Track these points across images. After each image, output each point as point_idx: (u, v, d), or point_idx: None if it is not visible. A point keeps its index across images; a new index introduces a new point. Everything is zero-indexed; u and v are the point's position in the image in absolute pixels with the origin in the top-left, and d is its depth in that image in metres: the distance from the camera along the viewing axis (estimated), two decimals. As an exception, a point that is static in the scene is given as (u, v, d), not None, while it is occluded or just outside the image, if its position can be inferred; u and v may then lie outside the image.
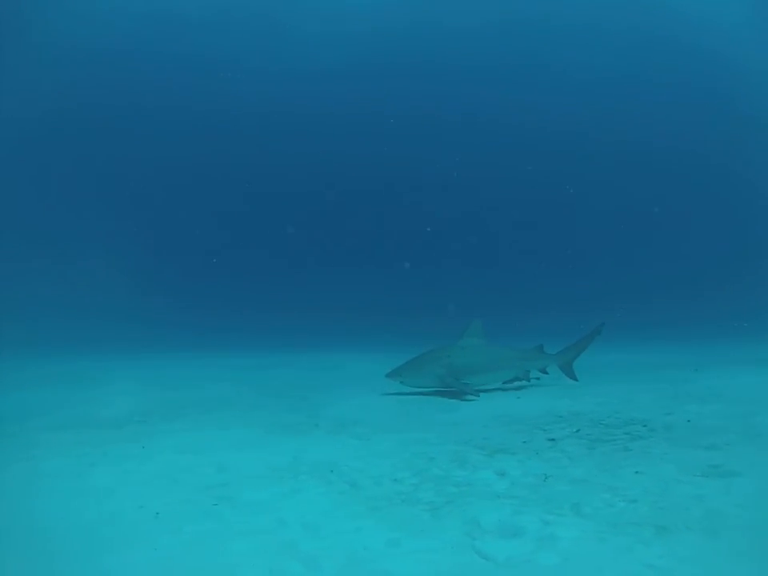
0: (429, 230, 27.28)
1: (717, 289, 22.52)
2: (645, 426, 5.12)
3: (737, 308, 18.51)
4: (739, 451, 4.07)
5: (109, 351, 14.74)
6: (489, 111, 30.19)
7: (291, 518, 3.16)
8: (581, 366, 8.53)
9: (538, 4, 27.64)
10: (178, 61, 28.72)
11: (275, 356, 14.45)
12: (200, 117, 29.57)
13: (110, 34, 26.95)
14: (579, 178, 28.41)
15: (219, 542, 2.88)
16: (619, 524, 2.90)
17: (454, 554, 2.70)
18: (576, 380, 8.27)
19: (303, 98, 29.76)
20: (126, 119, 28.58)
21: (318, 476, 3.95)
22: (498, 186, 29.90)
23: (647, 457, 4.08)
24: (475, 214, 30.08)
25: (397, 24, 28.26)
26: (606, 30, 28.04)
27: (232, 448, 4.76)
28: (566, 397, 7.12)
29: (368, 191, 30.22)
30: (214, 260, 26.64)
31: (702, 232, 27.75)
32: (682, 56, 28.37)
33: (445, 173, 29.08)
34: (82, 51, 26.49)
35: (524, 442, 4.77)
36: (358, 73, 29.87)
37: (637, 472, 3.71)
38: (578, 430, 5.09)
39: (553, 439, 4.80)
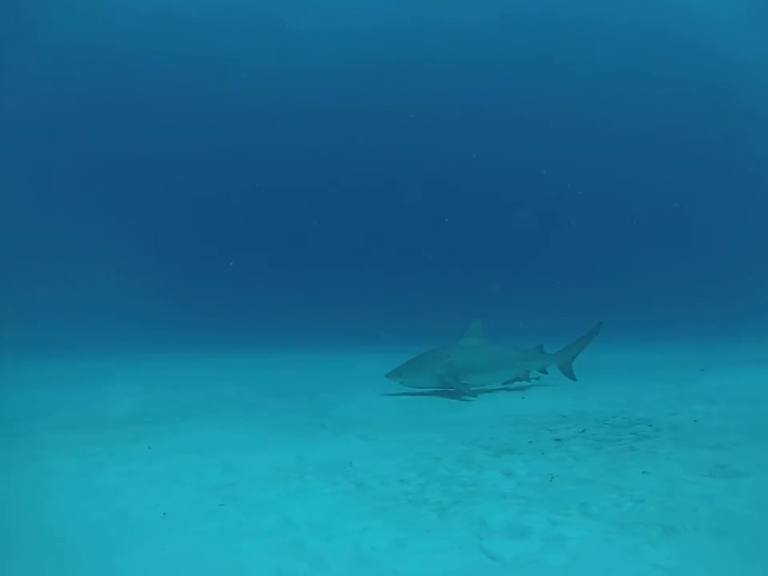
0: (446, 220, 27.19)
1: (717, 289, 22.49)
2: (650, 425, 5.12)
3: (738, 308, 18.49)
4: (746, 451, 4.06)
5: (109, 352, 14.73)
6: (489, 107, 30.20)
7: (298, 518, 3.16)
8: (583, 366, 8.53)
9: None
10: (179, 58, 28.73)
11: (276, 356, 14.43)
12: (200, 115, 29.60)
13: (110, 32, 26.95)
14: (580, 175, 28.40)
15: (226, 542, 2.88)
16: (626, 524, 2.90)
17: (462, 554, 2.69)
18: (575, 380, 8.28)
19: (304, 96, 29.77)
20: (126, 118, 28.58)
21: (324, 476, 3.94)
22: (498, 186, 29.91)
23: (653, 457, 4.07)
24: (475, 214, 30.07)
25: (397, 20, 28.27)
26: (606, 25, 28.07)
27: (237, 448, 4.76)
28: (570, 397, 7.12)
29: (369, 189, 30.20)
30: (231, 263, 26.49)
31: (701, 231, 27.74)
32: (682, 50, 28.39)
33: (446, 171, 29.09)
34: (82, 50, 26.51)
35: (530, 441, 4.77)
36: (358, 70, 29.88)
37: (643, 472, 3.71)
38: (583, 430, 5.08)
39: (558, 439, 4.80)
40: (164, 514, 3.25)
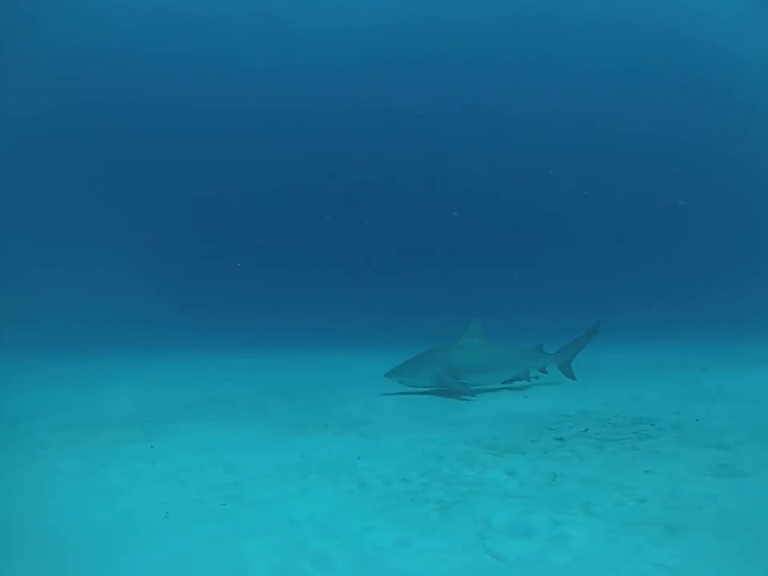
0: (455, 214, 27.13)
1: (718, 288, 22.45)
2: (653, 425, 5.11)
3: (739, 307, 18.46)
4: (749, 451, 4.06)
5: (109, 352, 14.70)
6: (490, 106, 30.18)
7: (301, 518, 3.16)
8: (584, 366, 8.53)
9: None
10: (179, 58, 28.67)
11: (277, 356, 14.40)
12: (201, 115, 29.56)
13: (110, 32, 26.94)
14: (579, 174, 28.38)
15: (230, 541, 2.88)
16: (630, 523, 2.90)
17: (465, 553, 2.70)
18: (575, 379, 8.27)
19: (304, 95, 29.73)
20: (126, 118, 28.56)
21: (327, 476, 3.95)
22: (498, 185, 29.90)
23: (656, 456, 4.07)
24: (475, 212, 30.05)
25: (397, 19, 28.25)
26: (606, 23, 28.04)
27: (240, 448, 4.76)
28: (572, 396, 7.12)
29: (369, 188, 30.19)
30: (239, 264, 26.41)
31: (700, 232, 27.72)
32: (682, 47, 28.36)
33: (446, 171, 29.10)
34: (82, 50, 26.48)
35: (532, 441, 4.77)
36: (358, 69, 29.87)
37: (646, 471, 3.70)
38: (585, 430, 5.08)
39: (561, 438, 4.80)
40: (167, 513, 3.26)
